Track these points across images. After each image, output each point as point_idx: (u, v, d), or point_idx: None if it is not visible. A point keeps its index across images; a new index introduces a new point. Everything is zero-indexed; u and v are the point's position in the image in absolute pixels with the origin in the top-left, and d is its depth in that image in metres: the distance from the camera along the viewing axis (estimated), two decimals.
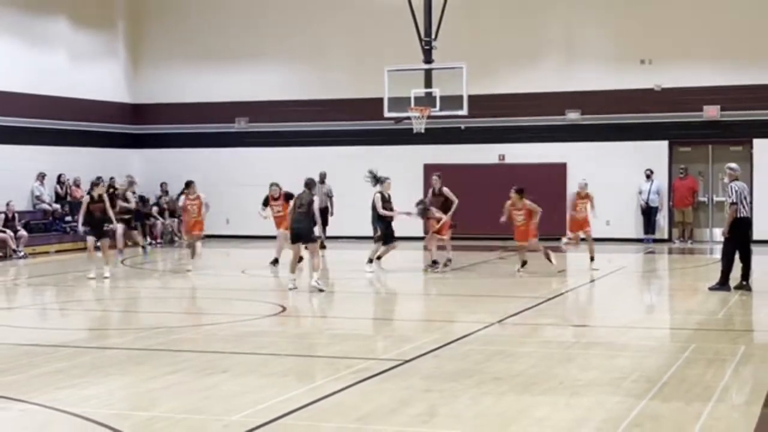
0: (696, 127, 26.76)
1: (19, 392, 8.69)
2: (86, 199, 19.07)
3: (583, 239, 19.93)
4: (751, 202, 16.42)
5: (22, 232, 24.01)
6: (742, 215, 15.56)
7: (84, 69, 28.82)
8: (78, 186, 27.17)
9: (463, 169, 26.41)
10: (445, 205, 19.65)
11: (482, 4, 27.77)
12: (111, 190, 23.10)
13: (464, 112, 23.04)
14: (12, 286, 19.08)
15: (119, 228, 21.77)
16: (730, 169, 16.08)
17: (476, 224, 24.15)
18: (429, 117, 23.21)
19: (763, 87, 26.03)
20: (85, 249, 19.06)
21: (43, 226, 25.85)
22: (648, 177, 26.88)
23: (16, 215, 24.35)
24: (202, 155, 29.97)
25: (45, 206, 26.46)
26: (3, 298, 17.30)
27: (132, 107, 30.74)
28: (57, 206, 26.65)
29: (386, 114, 23.87)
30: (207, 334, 12.36)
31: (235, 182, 28.77)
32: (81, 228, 19.57)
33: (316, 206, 16.41)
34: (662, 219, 27.17)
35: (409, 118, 23.47)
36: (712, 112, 26.45)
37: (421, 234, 25.00)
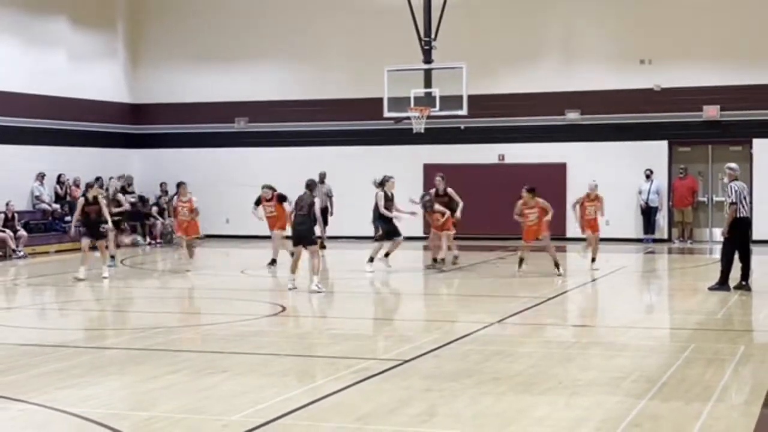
0: (695, 127, 26.77)
1: (18, 392, 8.69)
2: (81, 201, 19.06)
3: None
4: (750, 202, 16.42)
5: (22, 232, 24.01)
6: (741, 215, 15.56)
7: (84, 69, 28.82)
8: (78, 186, 27.15)
9: (463, 169, 26.40)
10: (448, 206, 19.67)
11: (482, 4, 27.77)
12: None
13: (464, 112, 23.04)
14: (11, 286, 19.07)
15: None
16: (730, 169, 16.08)
17: (476, 224, 24.16)
18: (429, 117, 23.22)
19: (763, 87, 26.03)
20: (93, 249, 19.05)
21: (42, 226, 25.84)
22: (648, 177, 26.89)
23: (16, 215, 24.34)
24: (202, 155, 29.97)
25: (45, 206, 26.45)
26: (3, 298, 17.28)
27: (132, 107, 30.74)
28: (57, 206, 26.64)
29: (386, 114, 23.87)
30: (206, 334, 12.36)
31: (235, 182, 28.77)
32: (73, 229, 19.54)
33: (317, 207, 16.40)
34: (662, 219, 27.18)
35: (408, 118, 23.47)
36: (711, 112, 26.45)
37: (421, 234, 25.06)
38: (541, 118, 27.61)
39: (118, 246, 23.01)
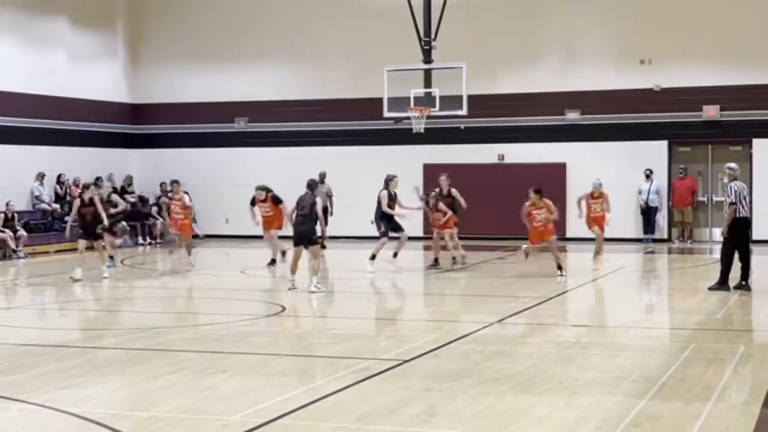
0: (695, 127, 26.76)
1: (18, 392, 8.70)
2: (77, 202, 19.04)
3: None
4: (750, 202, 16.43)
5: (22, 232, 24.01)
6: (741, 215, 15.56)
7: (84, 69, 28.82)
8: (77, 186, 27.11)
9: (463, 169, 26.35)
10: (451, 207, 19.72)
11: (482, 4, 27.77)
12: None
13: (464, 112, 23.03)
14: (11, 286, 19.07)
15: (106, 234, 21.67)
16: (730, 169, 16.08)
17: (476, 224, 24.15)
18: (428, 117, 23.20)
19: (763, 87, 26.03)
20: (89, 249, 19.04)
21: (42, 226, 25.84)
22: (647, 177, 26.89)
23: (16, 215, 24.34)
24: (202, 155, 29.97)
25: (44, 206, 26.46)
26: (2, 298, 17.29)
27: (132, 107, 30.74)
28: (56, 206, 26.64)
29: (386, 114, 23.86)
30: (206, 334, 12.35)
31: (235, 182, 28.74)
32: (68, 230, 19.50)
33: (319, 207, 16.36)
34: (662, 219, 27.18)
35: (408, 118, 23.46)
36: (711, 112, 26.45)
37: (422, 234, 25.07)
38: (541, 118, 27.60)
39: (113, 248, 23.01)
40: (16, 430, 7.70)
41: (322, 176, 25.75)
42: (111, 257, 20.13)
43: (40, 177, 26.58)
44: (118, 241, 24.48)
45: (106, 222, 19.03)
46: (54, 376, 9.43)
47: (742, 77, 26.10)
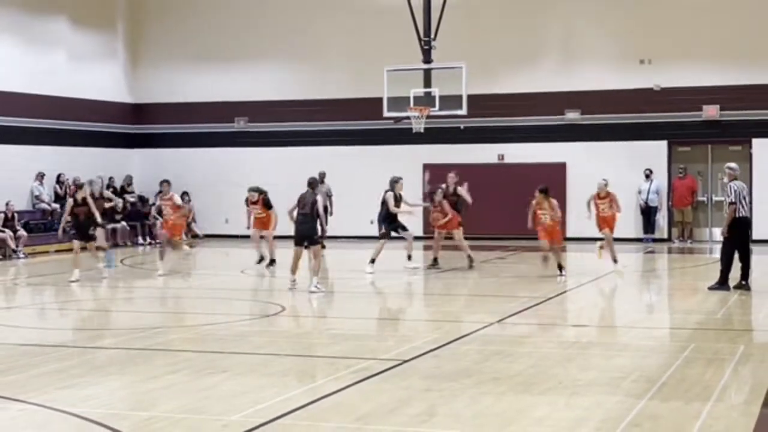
0: (695, 127, 26.77)
1: (18, 392, 8.70)
2: (70, 202, 19.02)
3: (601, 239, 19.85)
4: (750, 202, 16.43)
5: (22, 232, 24.01)
6: (741, 215, 15.57)
7: (84, 69, 28.81)
8: (77, 185, 27.14)
9: (462, 169, 26.13)
10: (455, 207, 19.72)
11: (482, 4, 27.77)
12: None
13: (463, 111, 23.03)
14: (11, 286, 19.08)
15: (99, 230, 21.61)
16: (730, 168, 16.08)
17: (476, 224, 24.12)
18: (428, 117, 23.21)
19: (763, 87, 26.04)
20: (84, 250, 19.04)
21: (42, 226, 25.84)
22: (647, 177, 26.90)
23: (16, 215, 24.34)
24: (202, 155, 29.97)
25: (44, 206, 26.46)
26: (2, 298, 17.30)
27: (132, 107, 30.74)
28: (56, 206, 26.62)
29: (385, 114, 23.87)
30: (206, 333, 12.34)
31: (234, 182, 28.71)
32: (61, 230, 19.50)
33: (320, 205, 16.31)
34: (661, 219, 27.18)
35: (408, 117, 23.47)
36: (711, 111, 26.46)
37: (422, 234, 25.05)
38: (540, 118, 27.61)
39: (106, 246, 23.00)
40: (16, 430, 7.70)
41: (322, 176, 25.73)
42: (103, 249, 19.89)
43: (40, 177, 26.58)
44: (106, 245, 24.43)
45: (99, 220, 19.00)
46: (54, 376, 9.43)
47: (741, 77, 26.10)
